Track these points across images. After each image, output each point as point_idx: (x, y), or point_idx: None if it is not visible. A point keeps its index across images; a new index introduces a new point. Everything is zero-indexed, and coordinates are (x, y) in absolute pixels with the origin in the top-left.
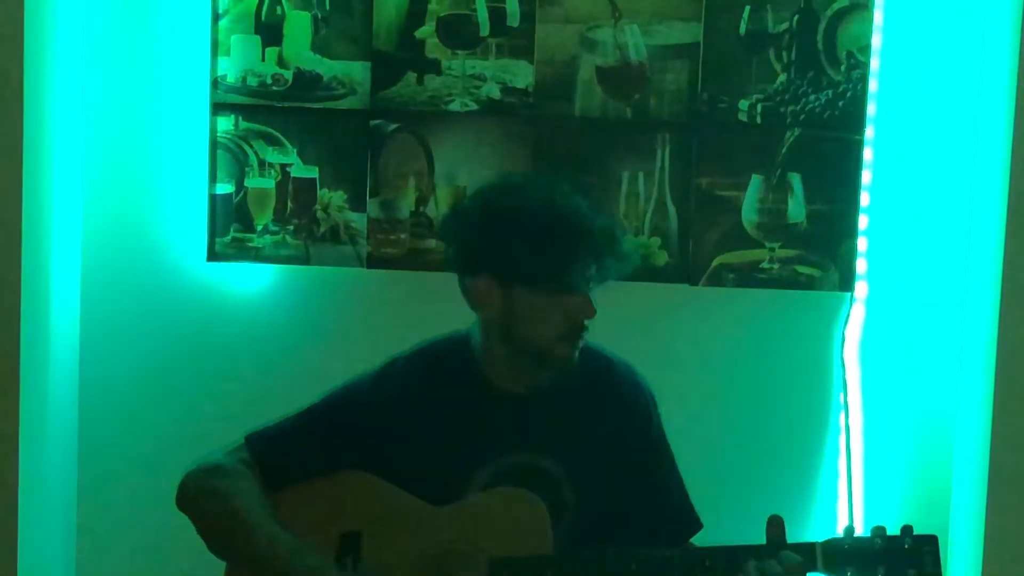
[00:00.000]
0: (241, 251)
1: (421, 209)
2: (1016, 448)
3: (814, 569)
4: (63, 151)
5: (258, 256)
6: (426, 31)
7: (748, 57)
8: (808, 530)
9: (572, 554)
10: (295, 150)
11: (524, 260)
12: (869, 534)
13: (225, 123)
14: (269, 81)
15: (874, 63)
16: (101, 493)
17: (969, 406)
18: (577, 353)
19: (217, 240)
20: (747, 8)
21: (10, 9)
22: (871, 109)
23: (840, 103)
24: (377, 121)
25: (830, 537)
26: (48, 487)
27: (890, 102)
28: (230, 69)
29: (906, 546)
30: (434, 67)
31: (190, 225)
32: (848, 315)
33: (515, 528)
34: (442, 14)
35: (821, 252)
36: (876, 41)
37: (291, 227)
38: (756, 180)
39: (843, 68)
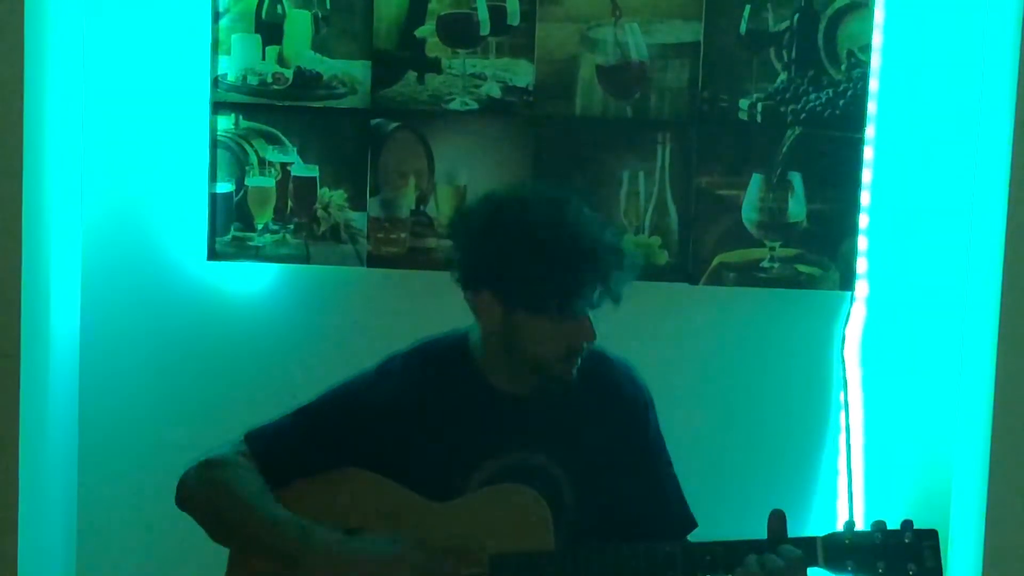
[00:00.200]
0: (241, 250)
1: (421, 208)
2: (1016, 446)
3: (815, 563)
4: (63, 150)
5: (258, 255)
6: (426, 30)
7: (749, 56)
8: (808, 528)
9: (573, 549)
10: (295, 149)
11: (528, 285)
12: (869, 529)
13: (225, 122)
14: (269, 80)
15: (875, 62)
16: (101, 492)
17: (969, 404)
18: (576, 370)
19: (217, 239)
20: (747, 7)
21: (10, 9)
22: (871, 108)
23: (840, 102)
24: (377, 120)
25: (830, 532)
26: (48, 487)
27: (891, 101)
28: (230, 68)
29: (906, 540)
30: (434, 66)
31: (190, 224)
32: (848, 314)
33: (516, 524)
34: (442, 13)
35: (821, 251)
36: (876, 40)
37: (291, 226)
38: (756, 179)
39: (843, 67)
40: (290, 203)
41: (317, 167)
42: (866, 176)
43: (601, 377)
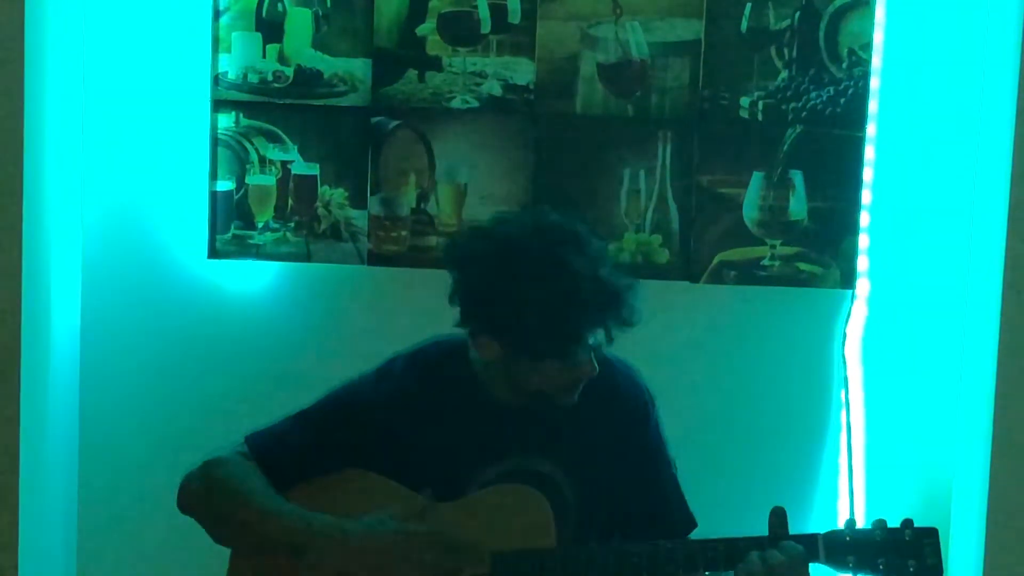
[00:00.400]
0: (242, 248)
1: (422, 206)
2: (1017, 444)
3: (816, 560)
4: (63, 148)
5: (259, 253)
6: (427, 28)
7: (749, 54)
8: (809, 526)
9: (574, 547)
10: (296, 147)
11: (530, 334)
12: (870, 527)
13: (226, 120)
14: (270, 78)
15: (876, 60)
16: (101, 492)
17: (970, 402)
18: (576, 397)
19: (218, 237)
20: (748, 5)
21: (10, 8)
22: (872, 106)
23: (841, 100)
24: (378, 118)
25: (831, 529)
26: (48, 486)
27: (892, 99)
28: (231, 66)
29: (907, 538)
30: (435, 64)
31: (191, 222)
32: (849, 312)
33: (518, 523)
34: (443, 11)
35: (822, 249)
36: (878, 38)
37: (292, 224)
38: (757, 177)
39: (844, 65)
40: (291, 201)
41: (318, 165)
42: (867, 174)
43: (601, 378)
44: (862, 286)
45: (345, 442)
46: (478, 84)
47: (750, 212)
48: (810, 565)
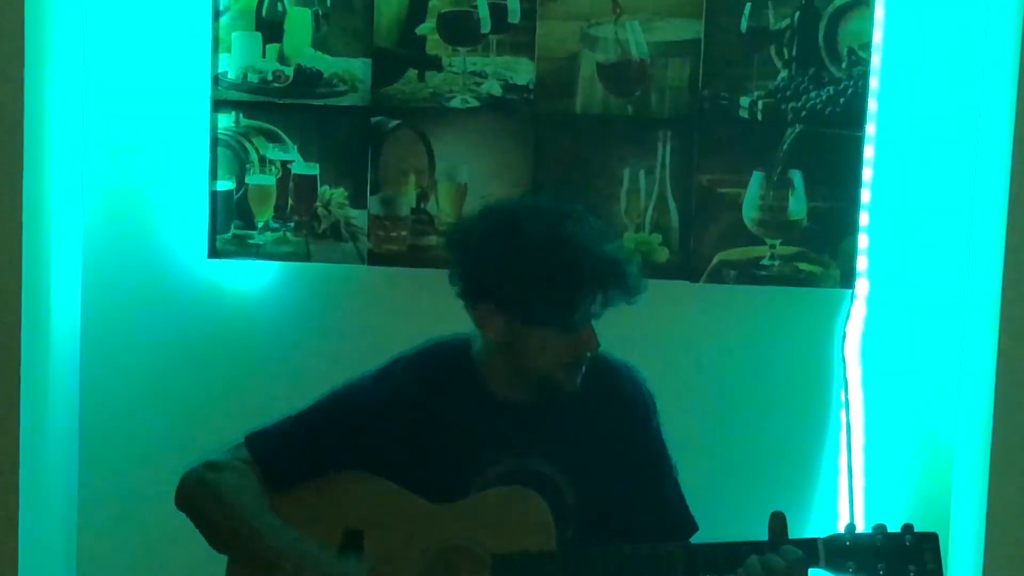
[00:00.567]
0: (242, 248)
1: (422, 206)
2: (1017, 445)
3: (816, 564)
4: (64, 148)
5: (259, 253)
6: (427, 28)
7: (749, 54)
8: (808, 527)
9: (575, 550)
10: (296, 147)
11: (530, 299)
12: (870, 531)
13: (226, 120)
14: (270, 78)
15: (875, 60)
16: (102, 492)
17: (970, 403)
18: (579, 379)
19: (218, 237)
20: (748, 5)
21: (10, 7)
22: (872, 106)
23: (841, 100)
24: (378, 118)
25: (831, 534)
26: (48, 485)
27: (891, 99)
28: (231, 66)
29: (907, 543)
30: (435, 64)
31: (191, 222)
32: (849, 312)
33: (518, 525)
34: (443, 11)
35: (822, 249)
36: (877, 37)
37: (292, 224)
38: (757, 177)
39: (844, 65)
40: (290, 201)
41: (318, 165)
42: (866, 174)
43: (602, 380)
44: (861, 286)
45: (345, 443)
46: (478, 84)
47: (750, 212)
48: (810, 570)
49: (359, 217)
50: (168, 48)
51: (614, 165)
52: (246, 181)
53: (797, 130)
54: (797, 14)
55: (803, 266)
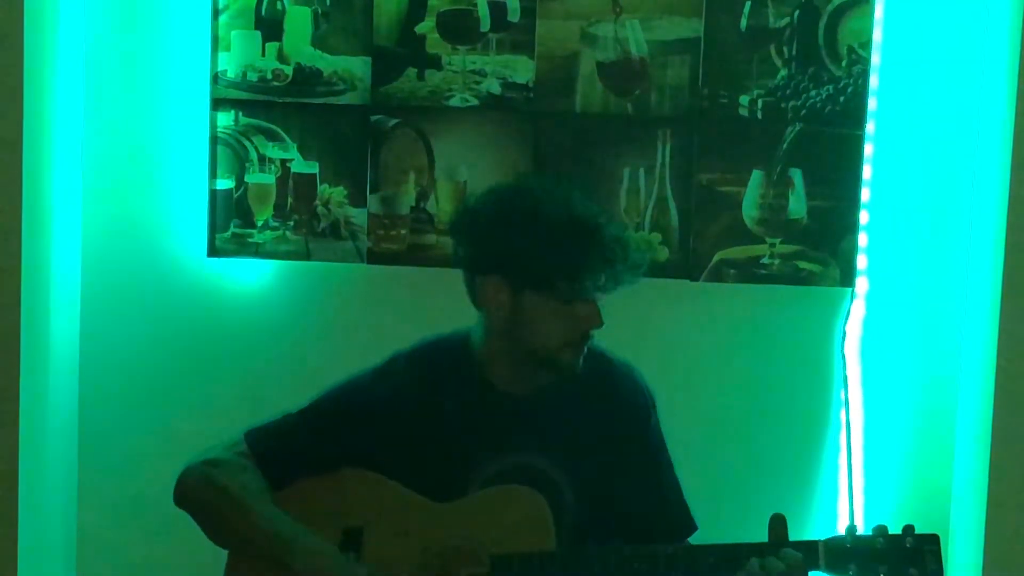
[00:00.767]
0: (241, 247)
1: (421, 205)
2: (1016, 445)
3: (817, 567)
4: (63, 147)
5: (258, 252)
6: (426, 26)
7: (749, 52)
8: (808, 527)
9: (574, 550)
10: (295, 145)
11: (537, 264)
12: (871, 533)
13: (225, 119)
14: (269, 76)
15: (875, 58)
16: (101, 490)
17: (969, 402)
18: (581, 360)
19: (217, 236)
20: (748, 3)
21: (10, 6)
22: (872, 104)
23: (841, 98)
24: (377, 116)
25: (831, 535)
26: (48, 484)
27: (891, 97)
28: (230, 64)
29: (908, 545)
30: (434, 62)
31: (190, 221)
32: (849, 311)
33: (517, 524)
34: (442, 9)
35: (822, 248)
36: (877, 36)
37: (291, 223)
38: (757, 176)
39: (844, 63)
40: (290, 200)
41: (317, 164)
42: (866, 172)
43: (602, 378)
44: (861, 284)
45: (344, 440)
46: (477, 82)
47: (749, 210)
48: (811, 572)
49: (359, 216)
50: (167, 47)
51: (614, 164)
52: (246, 180)
53: (797, 129)
54: (797, 13)
55: (803, 265)
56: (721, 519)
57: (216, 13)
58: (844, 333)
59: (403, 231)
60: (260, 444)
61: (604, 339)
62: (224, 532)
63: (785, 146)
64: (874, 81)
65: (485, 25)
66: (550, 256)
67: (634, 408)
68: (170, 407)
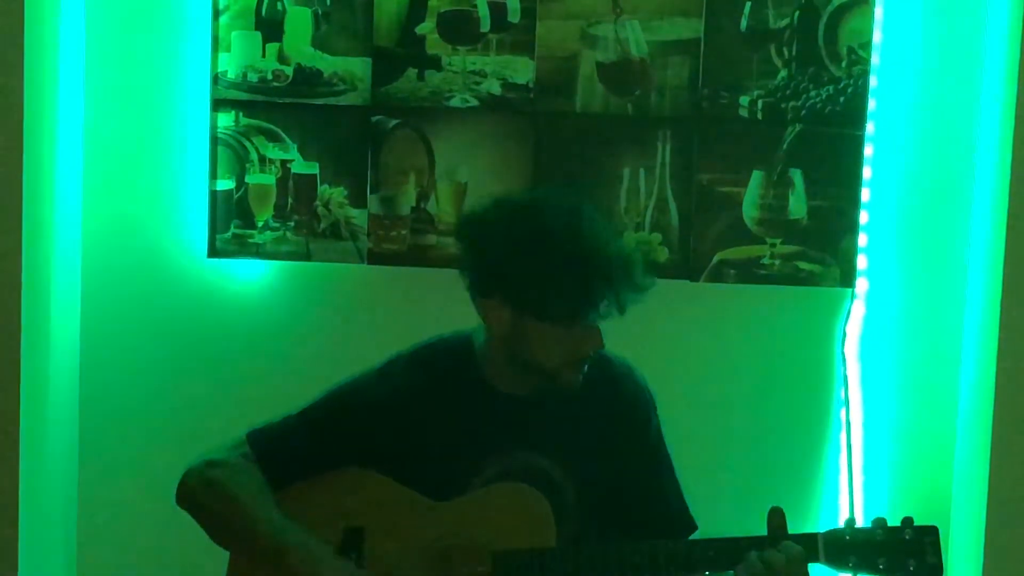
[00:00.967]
0: (242, 247)
1: (422, 205)
2: (1017, 443)
3: (816, 559)
4: (63, 147)
5: (259, 252)
6: (427, 27)
7: (749, 53)
8: (809, 525)
9: (575, 547)
10: (296, 146)
11: (540, 293)
12: (870, 526)
13: (226, 119)
14: (270, 77)
15: (875, 59)
16: (102, 490)
17: (970, 400)
18: (582, 377)
19: (218, 236)
20: (748, 4)
21: (10, 6)
22: (872, 105)
23: (841, 99)
24: (378, 117)
25: (831, 528)
26: (49, 484)
27: (891, 98)
28: (230, 65)
29: (907, 537)
30: (435, 63)
31: (191, 221)
32: (849, 311)
33: (518, 522)
34: (443, 10)
35: (822, 248)
36: (877, 37)
37: (292, 223)
38: (757, 176)
39: (844, 64)
40: (290, 200)
41: (317, 164)
42: (866, 173)
43: (602, 379)
44: (861, 284)
45: (346, 440)
46: (478, 83)
47: (750, 211)
48: (810, 565)
49: (359, 216)
50: (168, 47)
51: (614, 164)
52: (246, 180)
53: (797, 129)
54: (797, 13)
55: (803, 265)
56: (722, 519)
57: (216, 14)
58: (844, 333)
59: (403, 232)
60: (262, 445)
61: (605, 340)
62: (225, 533)
63: (785, 146)
64: (874, 81)
65: (485, 26)
66: (554, 287)
67: (634, 408)
68: (170, 407)
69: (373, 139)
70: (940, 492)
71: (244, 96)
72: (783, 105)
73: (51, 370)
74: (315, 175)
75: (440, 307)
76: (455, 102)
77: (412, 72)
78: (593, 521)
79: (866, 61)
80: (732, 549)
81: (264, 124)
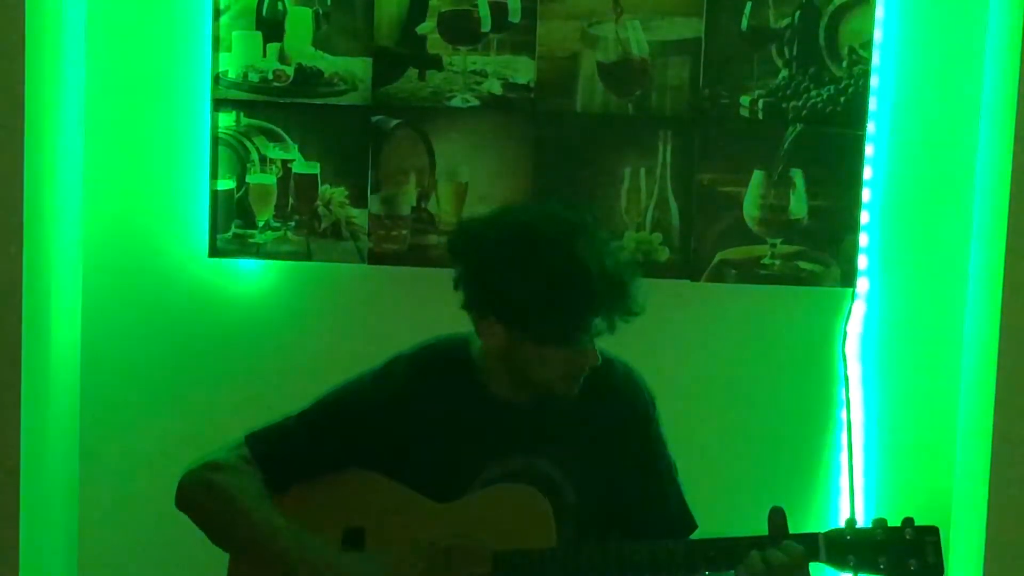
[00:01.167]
0: (242, 247)
1: (422, 205)
2: (1018, 442)
3: (817, 559)
4: (64, 147)
5: (259, 252)
6: (427, 27)
7: (750, 53)
8: (809, 525)
9: (575, 547)
10: (296, 146)
11: (534, 319)
12: (871, 525)
13: (226, 119)
14: (270, 77)
15: (876, 58)
16: (103, 491)
17: (971, 400)
18: (577, 388)
19: (218, 236)
20: (749, 4)
21: (11, 6)
22: (872, 104)
23: (842, 99)
24: (378, 117)
25: (832, 528)
26: (50, 484)
27: (892, 97)
28: (231, 65)
29: (907, 537)
30: (435, 63)
31: (191, 221)
32: (850, 311)
33: (518, 523)
34: (443, 10)
35: (823, 248)
36: (877, 36)
37: (292, 223)
38: (758, 176)
39: (844, 64)
40: (291, 200)
41: (318, 164)
42: (867, 173)
43: (601, 380)
44: (862, 284)
45: (345, 442)
46: (478, 83)
47: (750, 210)
48: (811, 564)
49: (360, 216)
50: (168, 47)
51: (614, 164)
52: (247, 180)
53: (798, 129)
54: (798, 13)
55: (804, 265)
56: (722, 520)
57: (217, 14)
58: (845, 333)
59: (404, 231)
60: (261, 447)
61: (604, 339)
62: (226, 536)
63: (786, 146)
64: (875, 81)
65: (486, 25)
66: (547, 312)
67: (634, 409)
68: (171, 407)
69: (374, 139)
70: (941, 492)
71: (245, 96)
72: (784, 105)
73: (52, 369)
74: (316, 175)
75: (440, 307)
76: (456, 102)
77: (413, 72)
78: (593, 521)
79: (867, 61)
80: (733, 549)
81: (265, 124)
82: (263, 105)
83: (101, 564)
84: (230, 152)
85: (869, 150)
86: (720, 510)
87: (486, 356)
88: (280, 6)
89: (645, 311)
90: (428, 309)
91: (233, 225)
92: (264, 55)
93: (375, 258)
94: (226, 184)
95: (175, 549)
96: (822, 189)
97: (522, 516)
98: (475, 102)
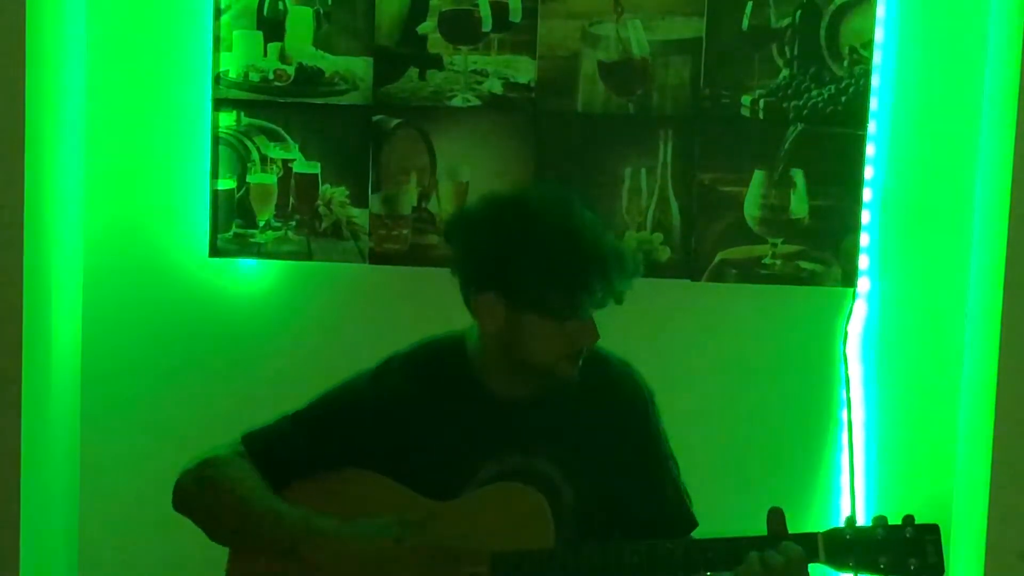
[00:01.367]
0: (243, 247)
1: (423, 205)
2: (1018, 442)
3: (816, 559)
4: (65, 147)
5: (260, 252)
6: (428, 26)
7: (751, 52)
8: (809, 525)
9: (574, 547)
10: (297, 146)
11: (533, 286)
12: (870, 524)
13: (227, 119)
14: (271, 77)
15: (876, 58)
16: (103, 491)
17: (971, 400)
18: (577, 370)
19: (219, 236)
20: (750, 3)
21: (11, 6)
22: (873, 104)
23: (842, 98)
24: (379, 116)
25: (831, 528)
26: (50, 485)
27: (892, 97)
28: (232, 65)
29: (908, 536)
30: (436, 62)
31: (192, 221)
32: (850, 310)
33: (517, 522)
34: (444, 9)
35: (823, 247)
36: (878, 36)
37: (293, 223)
38: (758, 175)
39: (845, 63)
40: (292, 200)
41: (319, 164)
42: (868, 172)
43: (600, 378)
44: (863, 284)
45: (342, 441)
46: (479, 82)
47: (751, 210)
48: (810, 565)
49: (360, 216)
50: (169, 47)
51: (615, 164)
52: (247, 180)
53: (799, 129)
54: (798, 12)
55: (805, 265)
56: (722, 520)
57: (218, 13)
58: (846, 333)
59: (405, 231)
60: (258, 445)
61: (604, 339)
62: (226, 528)
63: (787, 146)
64: (876, 81)
65: (487, 25)
66: (546, 278)
67: (634, 407)
68: (171, 407)
69: (375, 138)
70: (941, 492)
71: (246, 95)
72: (785, 104)
73: (52, 369)
74: (316, 174)
75: (441, 307)
76: (456, 101)
77: (414, 71)
78: (592, 519)
79: (868, 60)
80: (732, 549)
81: (266, 123)
82: (264, 105)
83: (101, 564)
84: (231, 152)
85: (870, 150)
86: (720, 510)
87: (484, 347)
88: (281, 6)
89: (641, 273)
90: (429, 309)
91: (234, 225)
92: (265, 55)
93: (376, 258)
94: (227, 184)
95: (175, 549)
96: (823, 189)
97: (520, 515)
98: (476, 102)
